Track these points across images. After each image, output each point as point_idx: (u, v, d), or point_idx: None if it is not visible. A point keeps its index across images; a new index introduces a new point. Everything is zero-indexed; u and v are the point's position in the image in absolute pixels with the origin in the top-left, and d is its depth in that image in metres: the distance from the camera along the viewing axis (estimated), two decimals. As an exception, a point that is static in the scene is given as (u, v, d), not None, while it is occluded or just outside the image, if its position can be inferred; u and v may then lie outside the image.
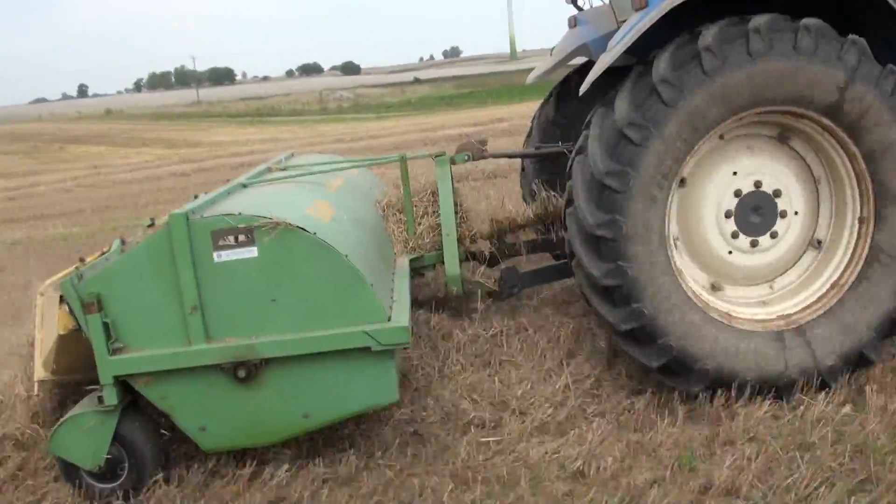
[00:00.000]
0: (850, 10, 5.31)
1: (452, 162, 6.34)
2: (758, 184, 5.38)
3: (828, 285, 5.44)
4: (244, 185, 5.71)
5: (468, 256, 6.52)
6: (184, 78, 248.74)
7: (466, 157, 6.37)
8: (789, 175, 5.44)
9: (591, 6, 7.14)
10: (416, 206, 6.37)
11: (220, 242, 4.49)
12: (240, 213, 4.51)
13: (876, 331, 5.27)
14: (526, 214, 6.62)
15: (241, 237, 4.48)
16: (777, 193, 5.40)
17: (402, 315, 4.77)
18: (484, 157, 6.54)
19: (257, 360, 4.58)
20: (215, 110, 77.05)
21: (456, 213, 6.27)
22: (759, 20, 4.83)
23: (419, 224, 6.29)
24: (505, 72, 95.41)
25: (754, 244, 5.45)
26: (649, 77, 4.89)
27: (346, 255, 4.56)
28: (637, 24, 5.02)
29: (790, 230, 5.49)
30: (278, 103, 75.30)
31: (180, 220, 4.43)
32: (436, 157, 6.25)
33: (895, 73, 4.98)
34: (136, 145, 41.76)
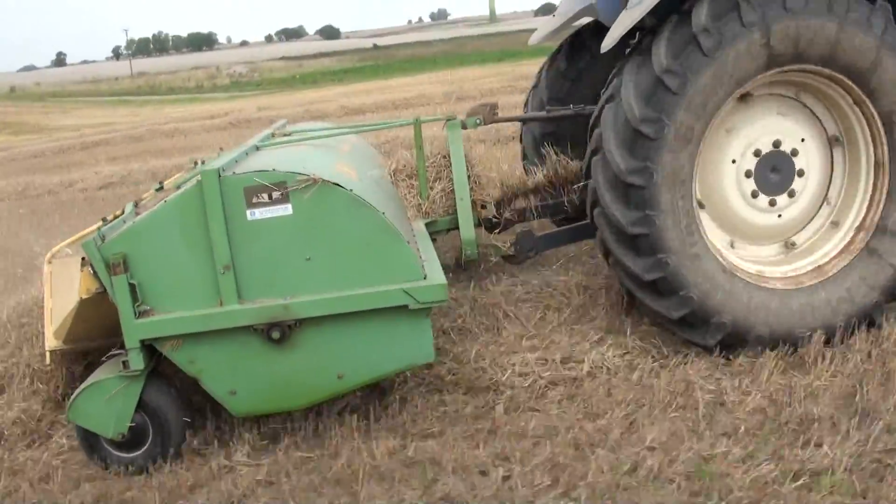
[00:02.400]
0: None
1: (463, 126, 6.27)
2: (777, 143, 5.43)
3: (841, 246, 5.51)
4: (257, 147, 5.58)
5: (479, 222, 6.46)
6: (162, 44, 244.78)
7: (478, 122, 6.31)
8: (805, 134, 5.51)
9: None
10: (427, 170, 6.28)
11: (254, 200, 4.38)
12: (273, 170, 4.40)
13: (884, 294, 5.38)
14: (535, 179, 6.58)
15: (276, 194, 4.37)
16: (794, 152, 5.47)
17: (437, 273, 4.70)
18: (495, 122, 6.49)
19: (292, 320, 4.48)
20: (101, 88, 74.81)
21: (468, 177, 6.20)
22: None
23: (431, 188, 6.21)
24: (465, 36, 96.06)
25: (773, 203, 5.50)
26: (688, 27, 4.91)
27: (383, 213, 4.48)
28: None
29: (807, 188, 5.56)
30: (169, 80, 73.67)
31: (212, 176, 4.31)
32: (447, 120, 6.17)
33: None
34: (-7, 130, 39.97)
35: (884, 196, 5.37)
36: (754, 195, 5.46)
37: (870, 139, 5.40)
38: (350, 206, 4.42)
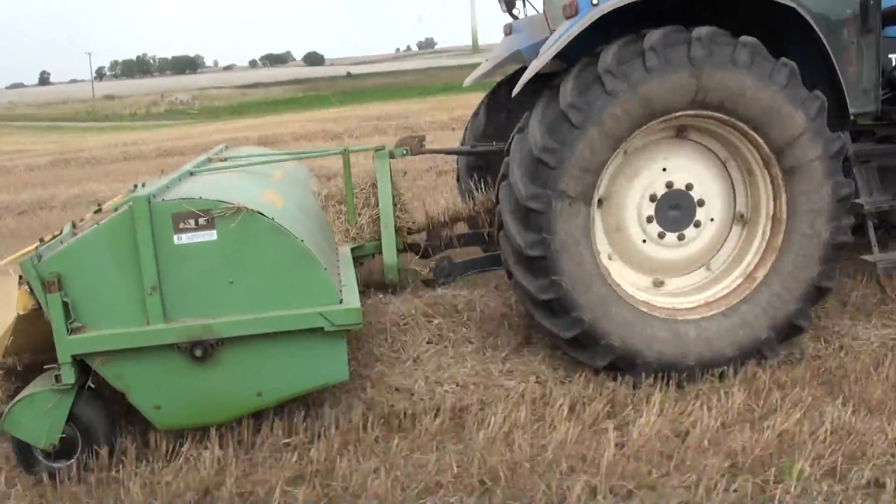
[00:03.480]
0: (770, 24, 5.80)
1: (392, 156, 6.63)
2: (669, 184, 5.79)
3: (739, 280, 5.87)
4: (191, 173, 5.89)
5: (405, 248, 6.80)
6: (145, 67, 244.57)
7: (405, 152, 6.67)
8: (716, 193, 5.92)
9: (526, 15, 7.49)
10: (356, 197, 6.63)
11: (181, 225, 4.67)
12: (200, 198, 4.70)
13: (775, 330, 5.71)
14: (461, 208, 6.93)
15: (202, 220, 4.67)
16: (700, 203, 5.84)
17: (353, 297, 5.02)
18: (422, 153, 6.84)
19: (214, 339, 4.77)
20: (40, 113, 74.08)
21: (394, 204, 6.55)
22: (702, 31, 5.26)
23: (359, 215, 6.55)
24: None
25: (661, 236, 5.85)
26: (595, 67, 5.26)
27: (302, 240, 4.79)
28: (567, 31, 5.40)
29: (695, 242, 5.95)
30: (107, 107, 73.61)
31: (142, 202, 4.60)
32: (376, 150, 6.53)
33: (786, 65, 5.44)
34: None
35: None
36: (649, 220, 5.80)
37: (771, 211, 5.75)
38: (271, 234, 4.73)
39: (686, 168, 5.84)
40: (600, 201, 5.73)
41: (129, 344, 4.75)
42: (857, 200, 6.11)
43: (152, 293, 4.70)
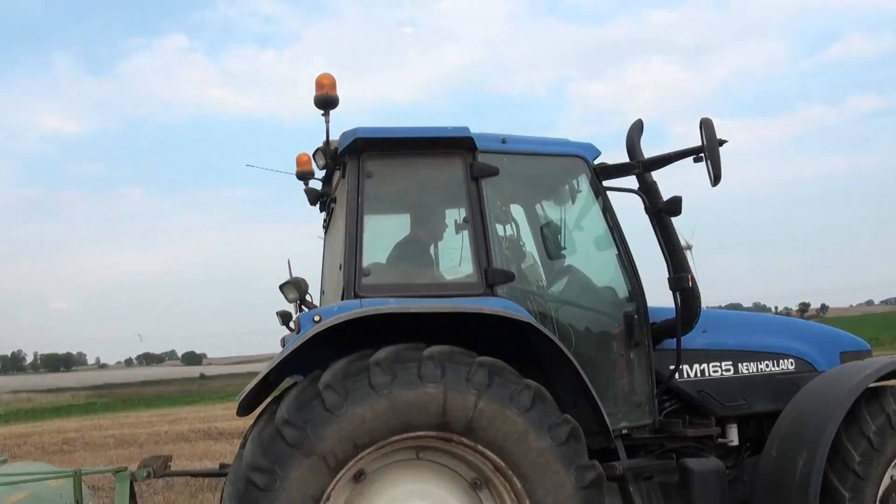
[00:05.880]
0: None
1: (134, 478, 6.32)
2: None
3: None
4: None
5: None
6: (19, 363, 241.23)
7: (147, 473, 6.33)
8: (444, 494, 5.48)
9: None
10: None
11: None
12: None
13: None
14: None
15: None
16: None
17: None
18: (166, 475, 6.57)
19: None
20: None
21: None
22: (436, 350, 5.15)
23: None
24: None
25: None
26: (316, 386, 5.06)
27: None
28: (287, 348, 5.32)
29: None
30: None
31: None
32: (116, 472, 6.24)
33: (529, 388, 5.23)
34: None
35: None
36: None
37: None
38: None
39: (428, 493, 5.45)
40: None
41: None
42: None
43: None
